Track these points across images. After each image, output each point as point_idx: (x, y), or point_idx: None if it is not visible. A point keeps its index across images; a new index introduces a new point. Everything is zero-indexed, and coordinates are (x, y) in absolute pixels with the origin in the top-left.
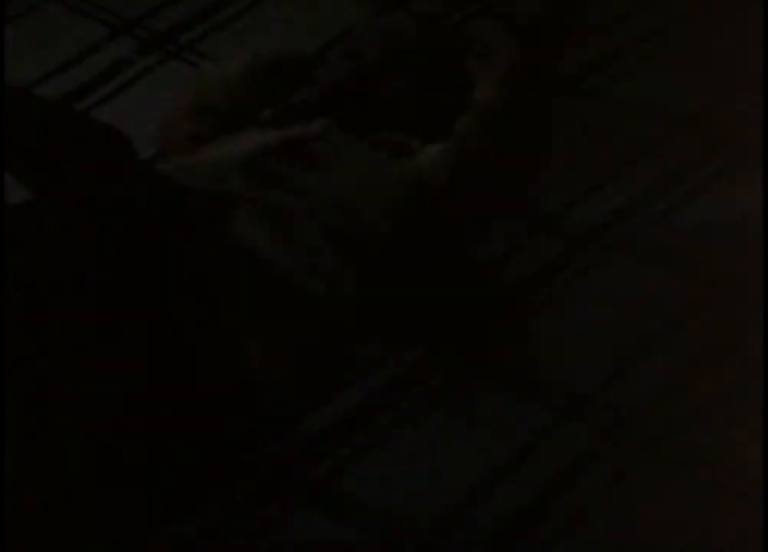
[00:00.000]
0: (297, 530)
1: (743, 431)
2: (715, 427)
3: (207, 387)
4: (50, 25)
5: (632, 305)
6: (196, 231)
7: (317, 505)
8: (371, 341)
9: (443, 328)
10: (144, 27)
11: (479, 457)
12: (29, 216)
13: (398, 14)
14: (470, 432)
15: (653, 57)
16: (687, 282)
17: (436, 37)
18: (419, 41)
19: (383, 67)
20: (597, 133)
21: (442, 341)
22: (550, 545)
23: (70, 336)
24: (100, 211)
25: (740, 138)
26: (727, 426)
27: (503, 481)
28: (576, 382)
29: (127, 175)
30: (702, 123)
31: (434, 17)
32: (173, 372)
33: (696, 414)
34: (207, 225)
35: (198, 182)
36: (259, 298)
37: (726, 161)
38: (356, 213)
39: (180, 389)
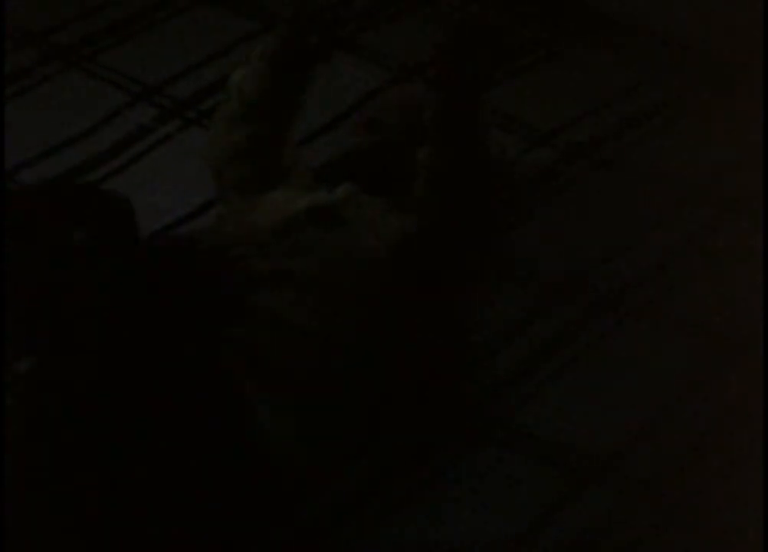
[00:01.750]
0: None
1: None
2: (732, 491)
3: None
4: (71, 91)
5: (650, 371)
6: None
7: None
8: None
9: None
10: (164, 94)
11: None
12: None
13: (416, 83)
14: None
15: (664, 126)
16: (705, 349)
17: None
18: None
19: (403, 138)
20: (611, 200)
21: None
22: None
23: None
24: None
25: (753, 203)
26: (741, 488)
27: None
28: (596, 447)
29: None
30: (714, 189)
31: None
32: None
33: (715, 477)
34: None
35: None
36: (277, 362)
37: (740, 226)
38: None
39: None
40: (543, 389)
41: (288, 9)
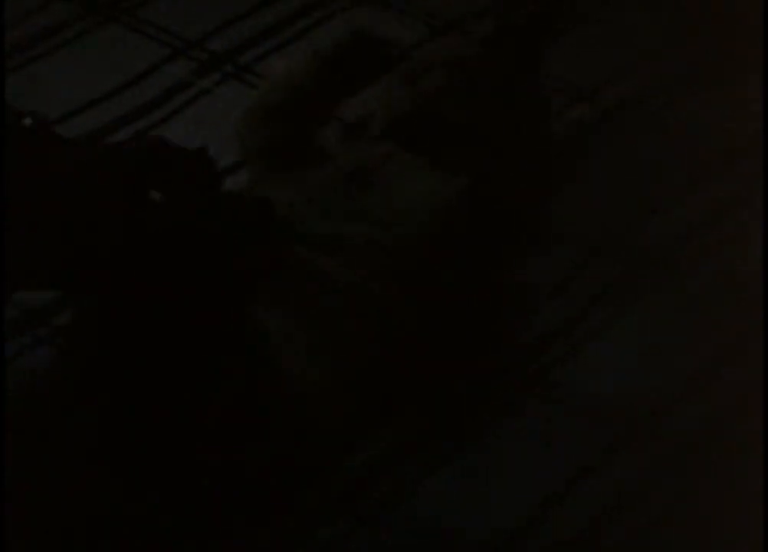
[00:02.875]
0: None
1: None
2: None
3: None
4: (109, 46)
5: (694, 328)
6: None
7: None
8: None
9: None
10: (203, 48)
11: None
12: None
13: (455, 36)
14: None
15: (708, 82)
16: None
17: (496, 60)
18: (480, 64)
19: (445, 92)
20: (653, 156)
21: None
22: None
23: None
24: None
25: None
26: None
27: None
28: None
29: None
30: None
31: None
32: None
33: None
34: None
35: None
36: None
37: None
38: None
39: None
40: (584, 345)
41: None
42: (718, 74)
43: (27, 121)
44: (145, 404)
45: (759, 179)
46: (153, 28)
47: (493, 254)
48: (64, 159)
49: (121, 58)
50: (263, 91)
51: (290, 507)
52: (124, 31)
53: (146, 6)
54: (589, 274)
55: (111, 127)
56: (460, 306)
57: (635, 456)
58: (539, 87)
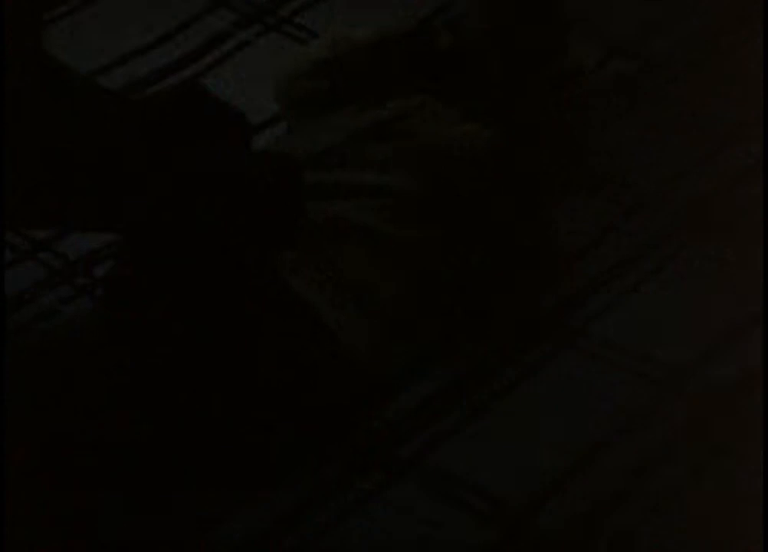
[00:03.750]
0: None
1: None
2: None
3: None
4: None
5: (730, 285)
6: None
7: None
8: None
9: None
10: (245, 0)
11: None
12: None
13: None
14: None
15: (750, 36)
16: None
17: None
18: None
19: (484, 43)
20: (691, 111)
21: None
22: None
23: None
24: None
25: None
26: None
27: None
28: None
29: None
30: None
31: None
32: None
33: None
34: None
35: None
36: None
37: None
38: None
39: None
40: (621, 300)
41: None
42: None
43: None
44: (183, 356)
45: None
46: None
47: (525, 203)
48: (100, 107)
49: (164, 9)
50: (315, 45)
51: (330, 458)
52: None
53: None
54: (626, 229)
55: (153, 77)
56: (490, 255)
57: (671, 407)
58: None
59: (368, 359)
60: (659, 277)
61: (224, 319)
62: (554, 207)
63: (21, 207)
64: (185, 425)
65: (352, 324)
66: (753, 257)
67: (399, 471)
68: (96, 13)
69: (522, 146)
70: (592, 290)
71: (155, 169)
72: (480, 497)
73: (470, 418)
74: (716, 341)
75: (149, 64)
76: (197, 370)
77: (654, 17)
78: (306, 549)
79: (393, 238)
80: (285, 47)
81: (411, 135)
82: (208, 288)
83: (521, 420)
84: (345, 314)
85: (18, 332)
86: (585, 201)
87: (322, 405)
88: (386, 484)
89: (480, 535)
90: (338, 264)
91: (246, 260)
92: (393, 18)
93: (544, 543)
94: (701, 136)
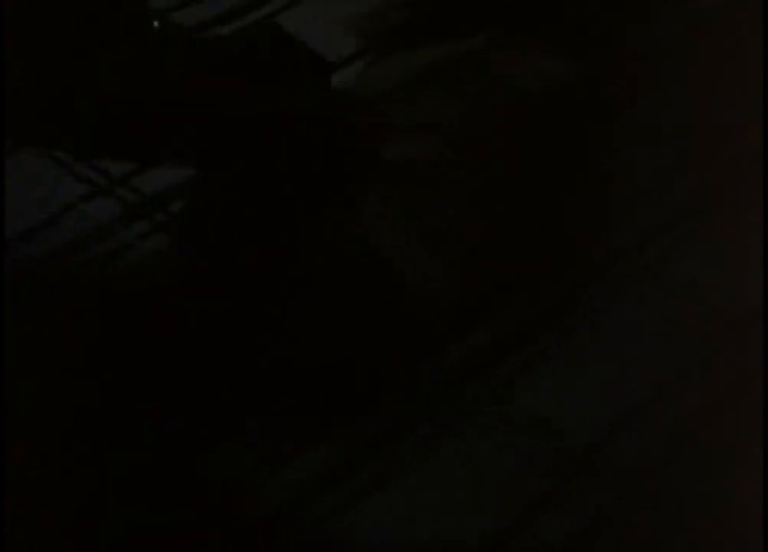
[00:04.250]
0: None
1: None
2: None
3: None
4: None
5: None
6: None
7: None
8: None
9: None
10: None
11: None
12: None
13: None
14: None
15: None
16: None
17: None
18: None
19: None
20: None
21: None
22: None
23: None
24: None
25: None
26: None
27: None
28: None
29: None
30: None
31: None
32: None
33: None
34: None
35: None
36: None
37: None
38: None
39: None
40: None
41: None
42: None
43: (156, 23)
44: (255, 293)
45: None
46: None
47: (598, 139)
48: (181, 51)
49: None
50: None
51: (395, 399)
52: None
53: None
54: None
55: (230, 17)
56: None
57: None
58: None
59: (438, 304)
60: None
61: (290, 260)
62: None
63: (100, 138)
64: (244, 369)
65: (427, 268)
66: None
67: (461, 414)
68: None
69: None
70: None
71: (237, 108)
72: (544, 442)
73: (545, 354)
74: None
75: (227, 3)
76: (260, 308)
77: None
78: (368, 492)
79: (464, 173)
80: None
81: (486, 69)
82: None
83: (595, 356)
84: (420, 258)
85: (92, 267)
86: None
87: (385, 350)
88: (448, 428)
89: (541, 483)
90: (413, 205)
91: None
92: None
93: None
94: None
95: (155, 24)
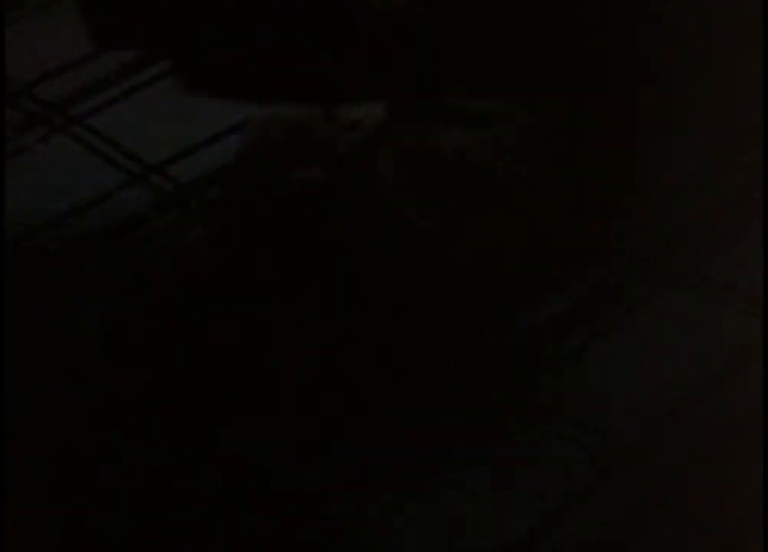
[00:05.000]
0: None
1: None
2: None
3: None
4: None
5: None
6: None
7: None
8: None
9: None
10: None
11: None
12: None
13: None
14: None
15: None
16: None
17: None
18: None
19: None
20: None
21: None
22: None
23: None
24: None
25: None
26: None
27: None
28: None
29: None
30: None
31: None
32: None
33: None
34: None
35: None
36: None
37: None
38: None
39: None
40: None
41: None
42: None
43: None
44: (294, 277)
45: None
46: None
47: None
48: None
49: None
50: None
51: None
52: None
53: None
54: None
55: None
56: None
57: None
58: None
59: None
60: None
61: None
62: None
63: None
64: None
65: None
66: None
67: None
68: None
69: None
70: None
71: None
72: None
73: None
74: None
75: None
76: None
77: None
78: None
79: (501, 176)
80: None
81: None
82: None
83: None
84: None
85: (128, 255)
86: None
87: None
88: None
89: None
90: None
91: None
92: None
93: None
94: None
95: None
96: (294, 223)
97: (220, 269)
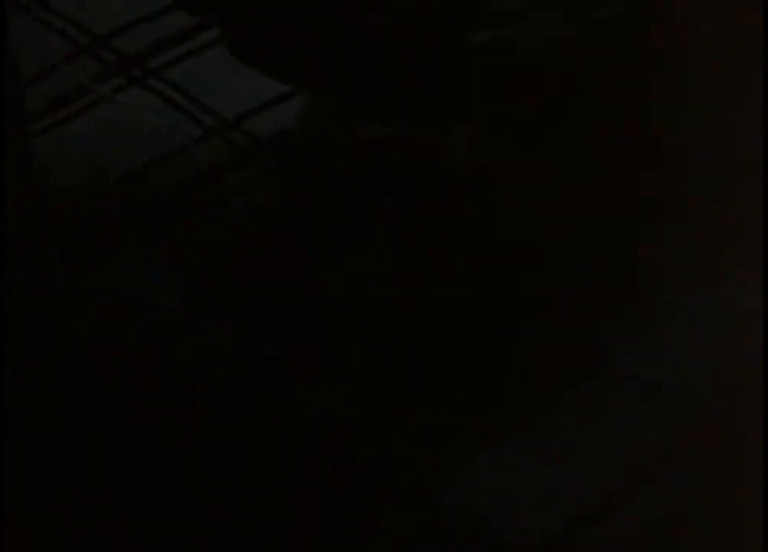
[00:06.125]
0: None
1: None
2: None
3: None
4: None
5: None
6: None
7: None
8: None
9: None
10: None
11: None
12: None
13: None
14: None
15: None
16: None
17: None
18: None
19: None
20: None
21: None
22: None
23: None
24: None
25: None
26: None
27: None
28: None
29: None
30: None
31: None
32: None
33: None
34: None
35: None
36: None
37: None
38: None
39: None
40: None
41: None
42: None
43: None
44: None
45: None
46: None
47: None
48: None
49: None
50: None
51: None
52: None
53: None
54: None
55: None
56: None
57: None
58: None
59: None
60: None
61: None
62: None
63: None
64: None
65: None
66: None
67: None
68: None
69: None
70: None
71: None
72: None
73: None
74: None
75: None
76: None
77: None
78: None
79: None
80: None
81: None
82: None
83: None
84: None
85: (202, 210)
86: None
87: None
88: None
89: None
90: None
91: None
92: None
93: None
94: None
95: None
96: (369, 180)
97: (292, 225)
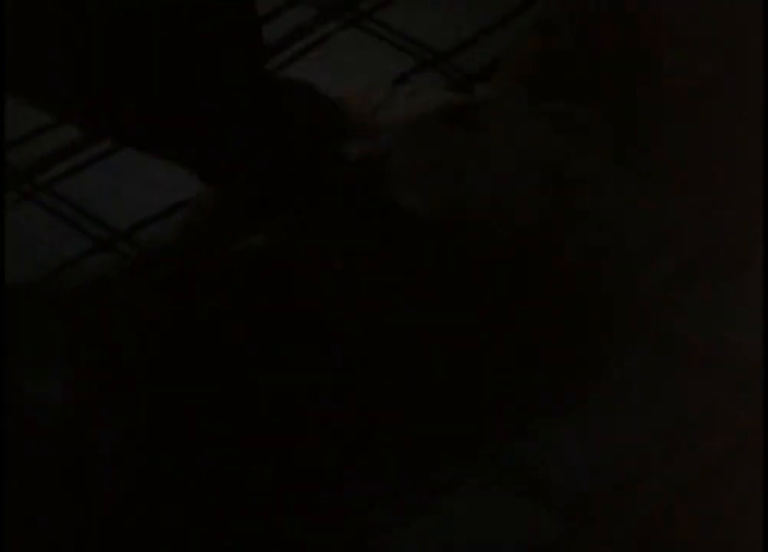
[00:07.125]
0: None
1: None
2: None
3: None
4: None
5: None
6: None
7: None
8: None
9: None
10: None
11: None
12: None
13: None
14: None
15: None
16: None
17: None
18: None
19: (578, 43)
20: None
21: None
22: None
23: None
24: None
25: None
26: None
27: None
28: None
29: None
30: None
31: None
32: None
33: None
34: None
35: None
36: None
37: None
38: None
39: None
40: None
41: None
42: None
43: None
44: None
45: None
46: None
47: None
48: None
49: None
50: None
51: None
52: None
53: None
54: None
55: None
56: None
57: None
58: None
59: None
60: None
61: None
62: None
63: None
64: None
65: None
66: None
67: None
68: None
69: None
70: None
71: None
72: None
73: None
74: None
75: None
76: None
77: None
78: None
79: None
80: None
81: (483, 126)
82: None
83: None
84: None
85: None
86: None
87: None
88: None
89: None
90: None
91: None
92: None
93: None
94: None
95: None
96: (246, 292)
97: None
